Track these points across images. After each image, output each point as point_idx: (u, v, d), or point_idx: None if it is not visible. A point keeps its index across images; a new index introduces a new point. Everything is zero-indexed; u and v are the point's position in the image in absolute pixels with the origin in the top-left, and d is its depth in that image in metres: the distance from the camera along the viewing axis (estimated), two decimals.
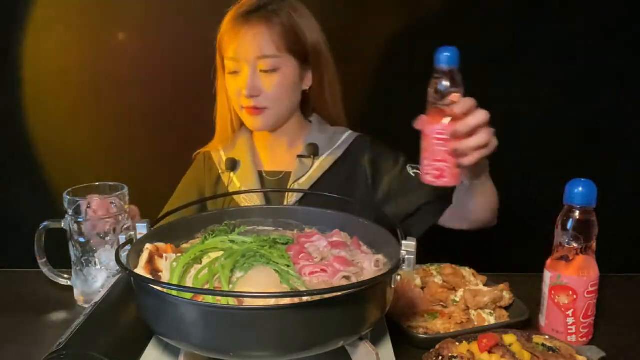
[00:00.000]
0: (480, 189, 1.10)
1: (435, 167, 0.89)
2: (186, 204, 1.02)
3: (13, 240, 1.80)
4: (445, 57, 0.87)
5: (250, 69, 1.19)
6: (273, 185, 1.30)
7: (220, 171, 1.32)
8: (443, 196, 1.19)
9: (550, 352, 0.84)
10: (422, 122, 0.89)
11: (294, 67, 1.22)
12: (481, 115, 0.87)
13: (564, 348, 0.85)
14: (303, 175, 1.26)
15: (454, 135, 0.87)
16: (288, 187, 1.27)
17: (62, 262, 1.15)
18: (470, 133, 0.87)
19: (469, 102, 0.87)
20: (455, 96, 0.86)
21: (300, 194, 1.26)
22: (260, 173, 1.31)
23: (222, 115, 1.32)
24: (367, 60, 1.70)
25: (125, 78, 1.73)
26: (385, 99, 1.70)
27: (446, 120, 0.87)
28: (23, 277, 1.27)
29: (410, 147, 1.06)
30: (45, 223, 1.05)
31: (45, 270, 1.10)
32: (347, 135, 1.31)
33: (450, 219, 1.24)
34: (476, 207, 1.15)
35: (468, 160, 0.88)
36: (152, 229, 0.87)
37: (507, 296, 1.04)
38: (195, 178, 1.37)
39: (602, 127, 1.71)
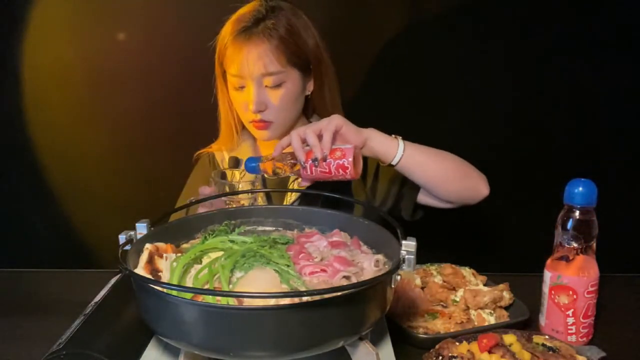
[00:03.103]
0: (407, 163, 1.09)
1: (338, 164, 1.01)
2: (186, 204, 1.03)
3: (13, 240, 1.80)
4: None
5: (256, 86, 1.19)
6: (274, 184, 1.31)
7: (223, 169, 1.33)
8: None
9: (550, 352, 0.84)
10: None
11: (298, 79, 1.23)
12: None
13: (564, 348, 0.85)
14: None
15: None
16: (288, 185, 1.28)
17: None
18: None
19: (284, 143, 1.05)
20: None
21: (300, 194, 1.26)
22: None
23: (225, 121, 1.33)
24: (366, 62, 1.70)
25: (125, 78, 1.72)
26: (384, 99, 1.70)
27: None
28: (23, 277, 1.27)
29: None
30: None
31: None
32: None
33: (422, 199, 1.23)
34: (423, 180, 1.14)
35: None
36: (152, 228, 0.87)
37: (507, 296, 1.04)
38: (204, 178, 1.37)
39: (603, 126, 1.71)
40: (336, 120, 1.04)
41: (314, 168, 1.02)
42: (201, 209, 1.08)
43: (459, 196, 1.18)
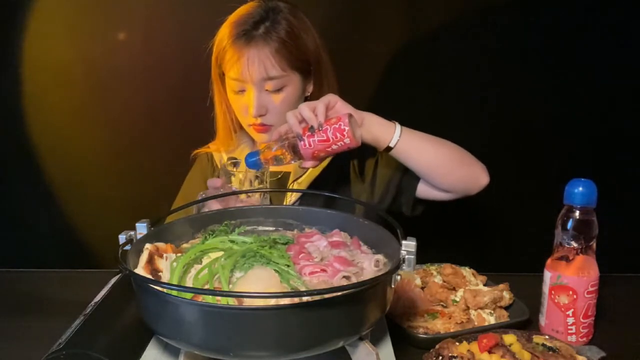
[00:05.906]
0: (404, 147, 1.10)
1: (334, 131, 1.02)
2: (186, 204, 1.02)
3: (13, 240, 1.80)
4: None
5: (256, 90, 1.18)
6: (273, 185, 1.30)
7: (224, 165, 1.33)
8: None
9: (550, 352, 0.84)
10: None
11: (298, 82, 1.22)
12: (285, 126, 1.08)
13: (564, 348, 0.85)
14: (302, 175, 1.27)
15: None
16: (288, 185, 1.27)
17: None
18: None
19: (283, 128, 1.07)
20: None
21: (300, 194, 1.26)
22: None
23: (222, 123, 1.32)
24: (365, 60, 1.70)
25: (125, 78, 1.73)
26: (383, 98, 1.70)
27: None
28: (23, 277, 1.27)
29: None
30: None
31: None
32: None
33: (422, 190, 1.23)
34: (421, 167, 1.14)
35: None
36: (152, 228, 0.87)
37: (507, 296, 1.04)
38: (203, 176, 1.37)
39: (603, 126, 1.71)
40: (330, 97, 1.06)
41: (312, 139, 1.03)
42: (214, 205, 1.08)
43: (458, 184, 1.17)
